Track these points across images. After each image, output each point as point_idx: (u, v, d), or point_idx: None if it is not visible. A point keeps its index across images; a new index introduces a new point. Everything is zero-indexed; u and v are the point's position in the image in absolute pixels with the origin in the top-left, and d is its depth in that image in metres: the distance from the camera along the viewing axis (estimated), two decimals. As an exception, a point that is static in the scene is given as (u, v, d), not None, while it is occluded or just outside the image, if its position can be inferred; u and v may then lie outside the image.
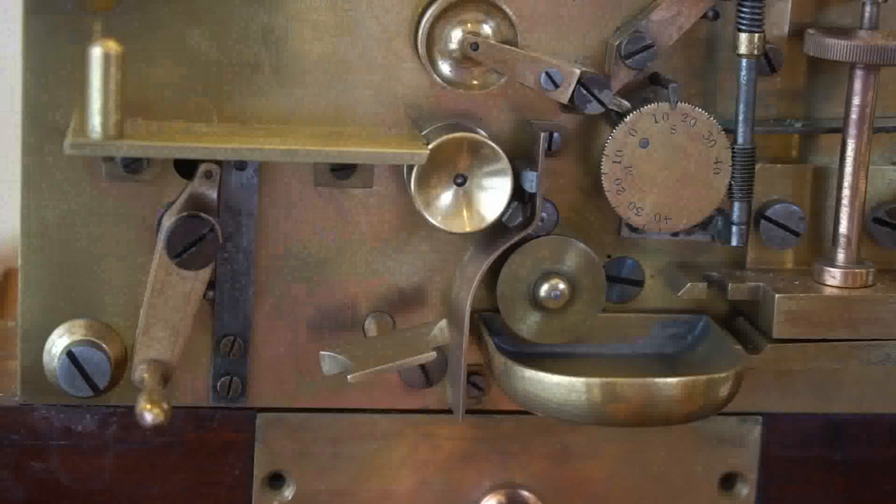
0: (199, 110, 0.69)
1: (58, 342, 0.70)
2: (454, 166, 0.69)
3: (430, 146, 0.67)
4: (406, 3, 0.69)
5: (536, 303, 0.72)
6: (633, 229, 0.72)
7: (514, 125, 0.71)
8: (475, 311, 0.71)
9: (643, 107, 0.69)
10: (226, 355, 0.71)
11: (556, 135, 0.71)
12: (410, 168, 0.68)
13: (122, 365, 0.70)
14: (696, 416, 0.68)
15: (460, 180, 0.69)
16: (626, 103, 0.69)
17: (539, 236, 0.72)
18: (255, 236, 0.70)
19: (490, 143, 0.68)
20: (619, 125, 0.69)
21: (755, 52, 0.70)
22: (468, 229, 0.69)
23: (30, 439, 0.71)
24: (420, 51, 0.69)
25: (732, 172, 0.71)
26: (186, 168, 0.69)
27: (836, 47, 0.70)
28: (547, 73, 0.68)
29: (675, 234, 0.73)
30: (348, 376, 0.67)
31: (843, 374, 0.75)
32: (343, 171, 0.70)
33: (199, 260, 0.67)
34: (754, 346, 0.72)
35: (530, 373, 0.67)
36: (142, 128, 0.66)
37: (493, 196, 0.69)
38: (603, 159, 0.70)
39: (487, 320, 0.72)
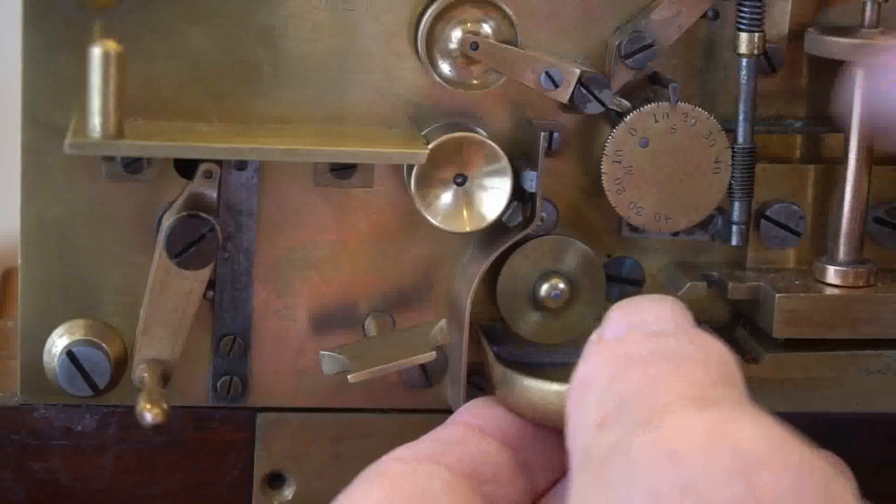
0: (199, 110, 0.69)
1: (58, 342, 0.70)
2: (454, 166, 0.69)
3: (430, 146, 0.67)
4: (406, 2, 0.69)
5: (536, 302, 0.72)
6: (634, 229, 0.72)
7: (514, 125, 0.71)
8: (474, 321, 0.71)
9: (643, 106, 0.69)
10: (226, 355, 0.71)
11: (555, 134, 0.71)
12: (410, 168, 0.68)
13: (121, 364, 0.70)
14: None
15: (460, 180, 0.69)
16: (626, 103, 0.69)
17: (539, 236, 0.72)
18: (256, 236, 0.70)
19: (490, 142, 0.68)
20: (619, 125, 0.69)
21: (755, 51, 0.70)
22: (468, 229, 0.69)
23: (30, 439, 0.71)
24: (420, 50, 0.69)
25: (732, 172, 0.71)
26: (186, 168, 0.69)
27: (837, 47, 0.69)
28: (547, 73, 0.68)
29: (676, 234, 0.73)
30: (348, 376, 0.67)
31: (843, 378, 0.74)
32: (343, 171, 0.70)
33: (199, 260, 0.67)
34: (753, 355, 0.71)
35: (529, 381, 0.67)
36: (142, 128, 0.66)
37: (493, 195, 0.69)
38: (603, 159, 0.70)
39: (486, 330, 0.72)
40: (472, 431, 0.62)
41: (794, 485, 0.45)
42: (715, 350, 0.54)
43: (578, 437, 0.53)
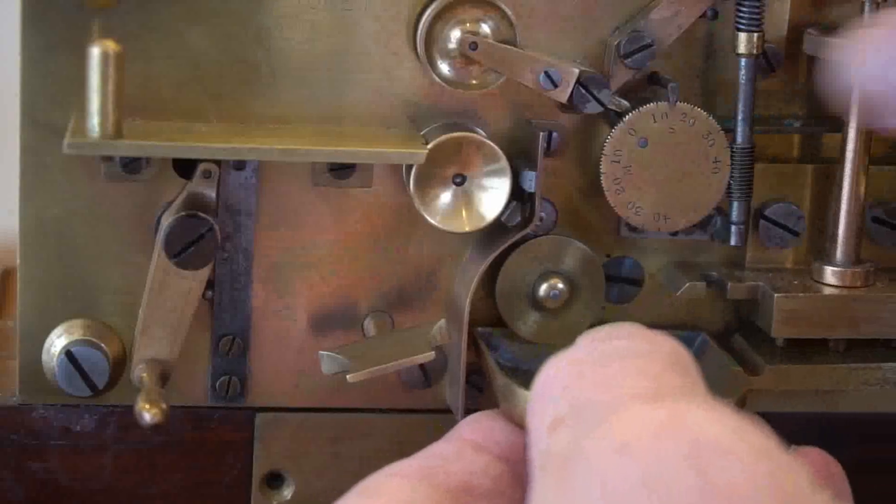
0: (198, 110, 0.69)
1: (56, 342, 0.70)
2: (453, 166, 0.69)
3: (429, 146, 0.67)
4: (404, 2, 0.69)
5: (535, 302, 0.72)
6: (633, 229, 0.72)
7: (512, 125, 0.71)
8: (472, 323, 0.71)
9: (642, 106, 0.69)
10: (225, 355, 0.71)
11: (554, 134, 0.71)
12: (409, 168, 0.68)
13: (120, 364, 0.70)
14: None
15: (459, 180, 0.69)
16: (624, 103, 0.69)
17: (538, 236, 0.72)
18: (254, 236, 0.70)
19: (489, 142, 0.68)
20: (618, 125, 0.69)
21: (754, 51, 0.70)
22: (467, 229, 0.69)
23: (29, 439, 0.71)
24: (419, 50, 0.69)
25: (731, 172, 0.71)
26: (185, 168, 0.69)
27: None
28: (546, 73, 0.68)
29: (675, 234, 0.73)
30: (347, 376, 0.67)
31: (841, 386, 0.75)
32: (342, 171, 0.70)
33: (198, 260, 0.67)
34: (753, 367, 0.71)
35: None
36: (140, 127, 0.66)
37: (492, 195, 0.69)
38: (602, 159, 0.70)
39: (485, 336, 0.72)
40: (468, 446, 0.62)
41: (748, 471, 0.45)
42: (667, 345, 0.54)
43: (539, 442, 0.53)
